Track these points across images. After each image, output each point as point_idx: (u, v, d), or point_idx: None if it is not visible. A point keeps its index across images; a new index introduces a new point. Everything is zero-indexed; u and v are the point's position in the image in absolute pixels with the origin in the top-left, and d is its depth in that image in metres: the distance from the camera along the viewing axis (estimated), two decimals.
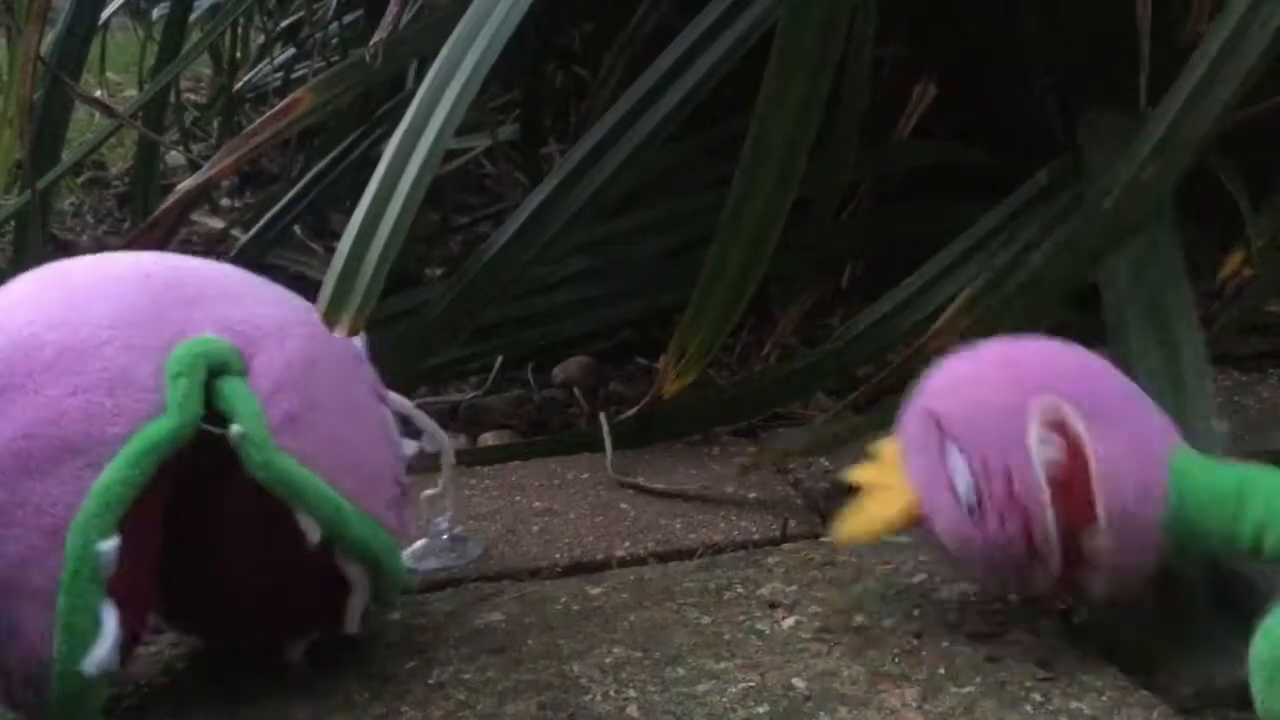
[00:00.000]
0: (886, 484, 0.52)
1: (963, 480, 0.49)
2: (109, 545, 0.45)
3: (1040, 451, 0.47)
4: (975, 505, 0.49)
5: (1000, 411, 0.49)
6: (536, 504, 0.70)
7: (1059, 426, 0.48)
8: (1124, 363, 0.65)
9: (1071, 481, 0.47)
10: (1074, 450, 0.47)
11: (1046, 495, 0.47)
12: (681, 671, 0.52)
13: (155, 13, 1.73)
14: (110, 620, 0.45)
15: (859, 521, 0.53)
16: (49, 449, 0.46)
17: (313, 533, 0.48)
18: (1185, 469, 0.48)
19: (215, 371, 0.48)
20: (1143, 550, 0.48)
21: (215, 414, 0.48)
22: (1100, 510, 0.47)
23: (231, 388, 0.48)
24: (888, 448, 0.54)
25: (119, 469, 0.46)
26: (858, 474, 0.54)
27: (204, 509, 0.50)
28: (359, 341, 0.57)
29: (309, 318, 0.54)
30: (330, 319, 0.69)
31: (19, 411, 0.46)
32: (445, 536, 0.62)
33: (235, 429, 0.47)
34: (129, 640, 0.48)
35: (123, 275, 0.50)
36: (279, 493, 0.48)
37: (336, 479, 0.49)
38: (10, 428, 0.46)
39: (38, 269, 0.52)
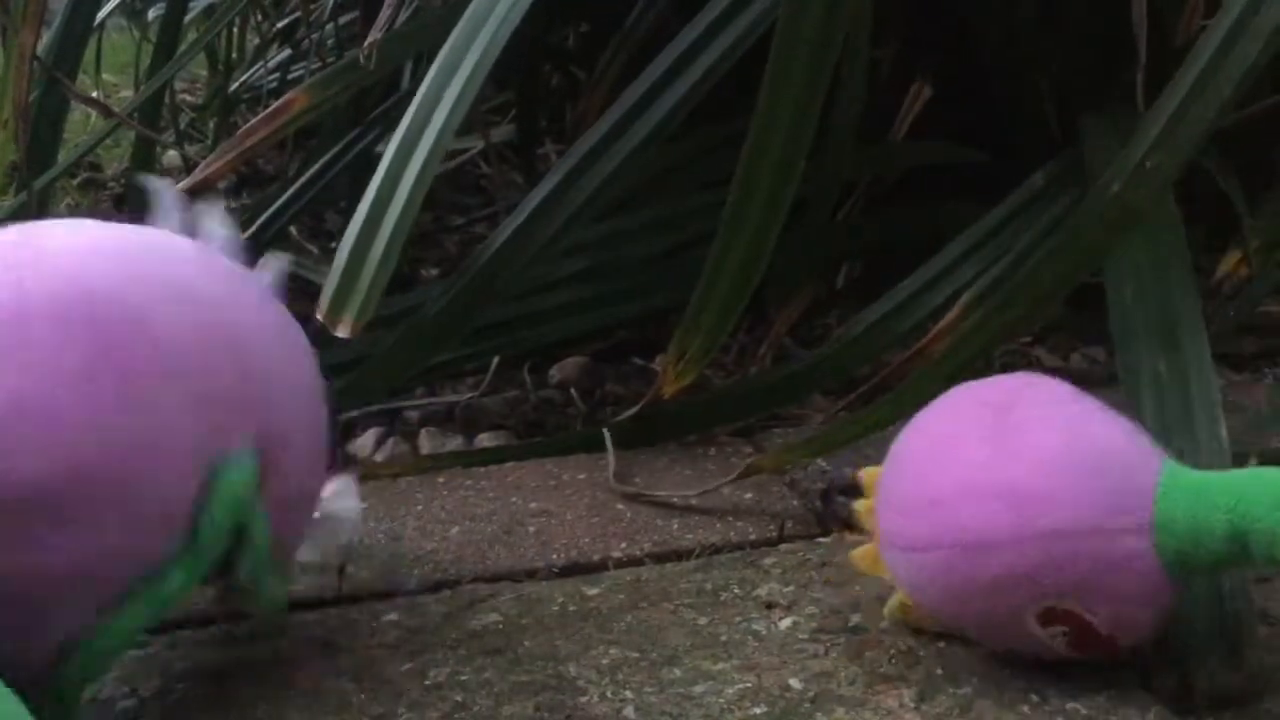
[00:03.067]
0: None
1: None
2: None
3: (1054, 642, 0.49)
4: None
5: (1002, 620, 0.49)
6: (533, 505, 0.70)
7: (1059, 616, 0.48)
8: (1130, 370, 0.65)
9: (1087, 634, 0.48)
10: (1081, 622, 0.48)
11: (1073, 653, 0.49)
12: (678, 672, 0.52)
13: (151, 13, 1.73)
14: None
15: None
16: None
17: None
18: (1172, 519, 0.47)
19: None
20: (1159, 623, 0.49)
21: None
22: (1118, 640, 0.48)
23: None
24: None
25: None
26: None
27: None
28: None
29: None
30: (331, 319, 0.69)
31: None
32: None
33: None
34: None
35: None
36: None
37: None
38: None
39: None
